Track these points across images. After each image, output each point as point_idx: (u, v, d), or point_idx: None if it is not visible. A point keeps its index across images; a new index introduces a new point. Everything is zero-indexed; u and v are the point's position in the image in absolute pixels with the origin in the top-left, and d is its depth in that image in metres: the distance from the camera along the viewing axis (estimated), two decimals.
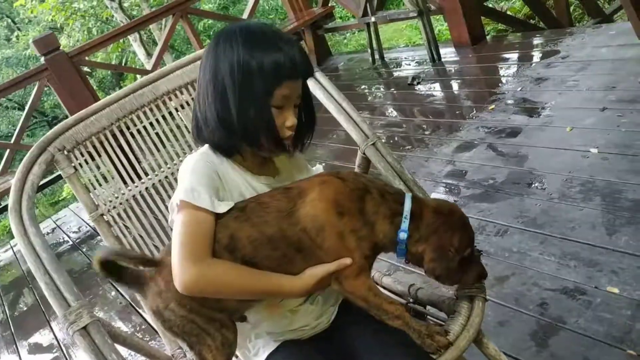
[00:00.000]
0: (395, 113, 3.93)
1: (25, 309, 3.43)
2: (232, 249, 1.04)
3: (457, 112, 3.46)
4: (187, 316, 1.07)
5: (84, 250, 3.91)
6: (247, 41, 1.06)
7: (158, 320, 1.10)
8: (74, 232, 4.39)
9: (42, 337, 2.95)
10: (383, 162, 1.41)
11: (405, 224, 1.05)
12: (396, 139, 3.48)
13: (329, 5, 5.70)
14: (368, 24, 4.94)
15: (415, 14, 4.37)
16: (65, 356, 2.67)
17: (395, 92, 4.33)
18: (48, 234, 4.60)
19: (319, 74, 1.55)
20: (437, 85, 4.07)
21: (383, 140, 3.21)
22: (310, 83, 1.53)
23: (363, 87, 4.70)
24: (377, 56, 5.10)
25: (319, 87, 1.53)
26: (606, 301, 1.68)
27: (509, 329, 1.72)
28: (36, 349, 2.89)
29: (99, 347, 1.17)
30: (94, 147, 1.52)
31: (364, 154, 1.45)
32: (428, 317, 1.32)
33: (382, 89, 4.52)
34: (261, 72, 1.04)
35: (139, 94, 1.56)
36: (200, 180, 1.07)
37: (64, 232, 4.49)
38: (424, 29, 4.39)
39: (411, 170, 2.92)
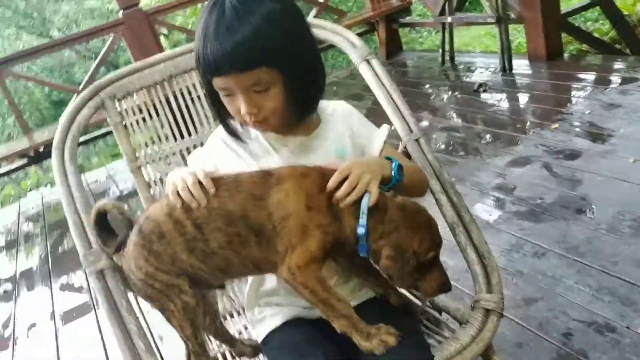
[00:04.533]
0: (455, 117, 3.83)
1: (66, 249, 3.57)
2: (188, 209, 1.04)
3: (518, 125, 3.35)
4: (146, 280, 1.09)
5: (128, 201, 4.03)
6: (202, 21, 1.04)
7: (129, 284, 1.13)
8: (123, 183, 4.53)
9: (76, 278, 3.07)
10: (423, 160, 1.37)
11: (363, 219, 1.00)
12: (451, 143, 3.40)
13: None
14: (443, 24, 4.83)
15: (493, 20, 4.24)
16: (92, 299, 2.76)
17: (459, 96, 4.23)
18: (97, 181, 4.76)
19: (374, 62, 1.53)
20: (503, 96, 3.94)
21: (440, 144, 3.24)
22: (364, 69, 1.51)
23: (428, 86, 4.61)
24: (447, 58, 4.98)
25: (372, 75, 1.50)
26: (636, 343, 1.59)
27: (527, 352, 1.66)
28: (68, 287, 3.01)
29: (111, 291, 1.20)
30: (143, 100, 1.55)
31: (405, 148, 1.41)
32: (442, 323, 1.29)
33: (446, 92, 4.42)
34: (197, 62, 1.06)
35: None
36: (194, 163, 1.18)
37: (114, 181, 4.63)
38: (500, 36, 4.25)
39: (460, 177, 2.86)
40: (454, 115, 3.89)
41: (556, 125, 3.14)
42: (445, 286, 1.07)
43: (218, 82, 1.05)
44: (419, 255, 1.01)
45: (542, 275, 1.97)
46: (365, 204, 1.01)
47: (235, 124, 1.18)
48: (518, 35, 6.27)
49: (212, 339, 1.38)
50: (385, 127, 1.25)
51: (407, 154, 1.42)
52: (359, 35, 7.04)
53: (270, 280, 1.22)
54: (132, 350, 1.14)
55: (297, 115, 1.12)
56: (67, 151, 1.40)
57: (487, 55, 5.02)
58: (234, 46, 0.99)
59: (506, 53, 4.27)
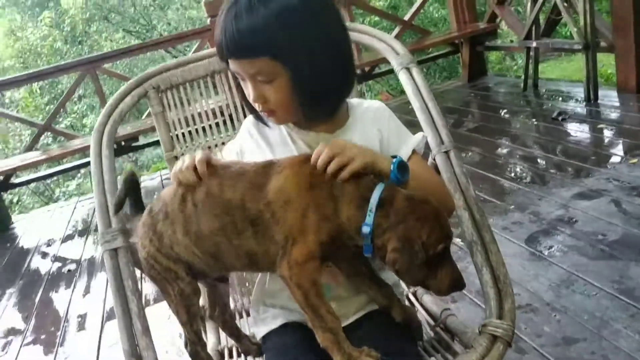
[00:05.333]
0: (531, 145, 3.66)
1: None
2: (192, 190, 1.05)
3: (593, 157, 3.14)
4: (148, 260, 1.10)
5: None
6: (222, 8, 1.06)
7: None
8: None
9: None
10: (450, 173, 1.30)
11: (370, 217, 0.94)
12: (518, 170, 3.25)
13: (495, 22, 5.45)
14: (528, 49, 4.65)
15: (580, 47, 4.03)
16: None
17: (538, 123, 4.04)
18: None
19: (415, 70, 1.48)
20: (583, 126, 3.73)
21: (507, 171, 3.09)
22: (403, 77, 1.47)
23: (508, 112, 4.44)
24: (530, 83, 4.78)
25: (411, 83, 1.46)
26: None
27: None
28: None
29: (120, 270, 1.23)
30: (185, 92, 1.59)
31: (434, 159, 1.36)
32: (448, 345, 1.22)
33: (526, 119, 4.24)
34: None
35: None
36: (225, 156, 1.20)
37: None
38: (586, 64, 4.03)
39: (519, 205, 2.72)
40: (530, 142, 3.72)
41: (635, 160, 2.92)
42: (457, 282, 0.99)
43: (230, 65, 1.08)
44: (428, 247, 0.93)
45: (589, 315, 1.82)
46: (374, 200, 0.95)
47: None
48: (607, 64, 5.93)
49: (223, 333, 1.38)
50: (419, 135, 1.21)
51: (436, 167, 1.36)
52: (442, 56, 6.96)
53: (275, 281, 1.21)
54: (129, 329, 1.15)
55: (307, 110, 1.10)
56: (105, 135, 1.46)
57: (572, 83, 4.77)
58: (238, 33, 1.00)
59: (592, 82, 4.03)
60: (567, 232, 2.37)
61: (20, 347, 2.63)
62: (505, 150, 3.64)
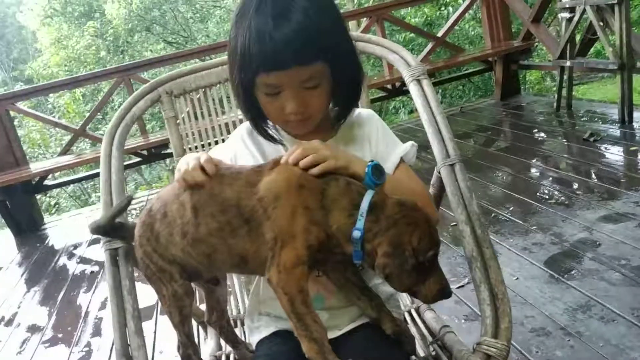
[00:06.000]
0: (562, 166, 3.58)
1: None
2: (193, 192, 1.04)
3: (623, 180, 3.05)
4: (144, 259, 1.11)
5: None
6: (240, 13, 0.99)
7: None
8: None
9: None
10: (454, 186, 1.28)
11: (360, 222, 0.93)
12: (543, 190, 3.17)
13: (530, 41, 5.37)
14: (562, 68, 4.56)
15: (615, 67, 3.93)
16: None
17: (568, 144, 3.96)
18: None
19: (425, 82, 1.46)
20: (615, 148, 3.62)
21: (534, 191, 3.02)
22: (413, 88, 1.46)
23: (540, 132, 4.35)
24: (563, 103, 4.68)
25: (420, 95, 1.44)
26: None
27: None
28: None
29: (119, 269, 1.24)
30: (198, 98, 1.61)
31: (439, 172, 1.33)
32: None
33: (558, 139, 4.15)
34: (238, 58, 0.99)
35: None
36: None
37: None
38: (621, 85, 3.93)
39: (541, 225, 2.65)
40: (559, 163, 3.64)
41: None
42: (444, 291, 0.98)
43: (267, 79, 1.00)
44: (418, 253, 0.92)
45: (604, 342, 1.75)
46: (365, 205, 0.94)
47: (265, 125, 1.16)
48: None
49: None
50: (408, 144, 1.19)
51: (440, 180, 1.34)
52: (475, 73, 6.89)
53: (269, 289, 1.20)
54: (123, 328, 1.16)
55: (337, 115, 1.11)
56: (117, 137, 1.48)
57: (608, 104, 4.65)
58: (298, 38, 0.95)
59: (627, 103, 3.93)
60: (589, 256, 2.29)
61: (39, 344, 2.68)
62: (534, 170, 3.56)
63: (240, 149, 1.21)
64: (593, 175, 3.22)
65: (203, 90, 1.62)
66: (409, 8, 8.46)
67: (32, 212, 4.79)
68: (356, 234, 0.94)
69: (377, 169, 0.99)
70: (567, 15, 4.39)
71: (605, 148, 3.64)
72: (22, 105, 5.27)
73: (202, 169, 1.04)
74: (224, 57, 1.65)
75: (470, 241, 1.20)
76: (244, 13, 0.99)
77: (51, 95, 10.55)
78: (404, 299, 1.49)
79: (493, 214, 2.93)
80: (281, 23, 0.95)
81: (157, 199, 1.13)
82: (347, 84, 1.08)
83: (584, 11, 4.19)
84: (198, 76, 1.61)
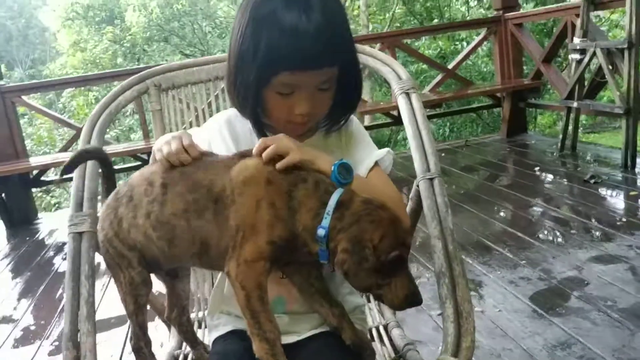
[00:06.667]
0: (560, 205, 3.53)
1: None
2: (165, 170, 1.03)
3: (619, 223, 3.00)
4: (104, 243, 1.08)
5: None
6: (258, 6, 0.97)
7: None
8: None
9: None
10: (431, 200, 1.25)
11: (326, 221, 0.90)
12: (536, 225, 3.13)
13: (539, 80, 5.37)
14: (569, 108, 4.54)
15: (622, 111, 3.91)
16: None
17: (568, 184, 3.92)
18: None
19: (414, 96, 1.44)
20: (615, 192, 3.58)
21: (531, 228, 2.97)
22: (401, 101, 1.44)
23: (542, 171, 4.32)
24: (568, 144, 4.65)
25: (408, 108, 1.42)
26: None
27: None
28: None
29: (81, 253, 1.21)
30: (185, 94, 1.60)
31: (417, 186, 1.30)
32: None
33: (558, 178, 4.12)
34: (261, 54, 0.96)
35: None
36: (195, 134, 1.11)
37: None
38: (626, 130, 3.90)
39: (531, 261, 2.60)
40: (557, 202, 3.59)
41: None
42: (412, 297, 0.93)
43: (289, 78, 0.97)
44: (380, 252, 0.88)
45: None
46: (332, 203, 0.92)
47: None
48: None
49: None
50: (384, 150, 1.17)
51: (419, 193, 1.31)
52: (483, 108, 6.90)
53: (230, 287, 1.17)
54: (75, 313, 1.13)
55: (332, 119, 1.10)
56: (99, 124, 1.46)
57: (612, 149, 4.62)
58: (331, 40, 0.96)
59: (630, 148, 3.89)
60: (576, 294, 2.24)
61: (9, 335, 2.64)
62: (531, 207, 3.51)
63: (215, 139, 1.18)
64: (590, 216, 3.17)
65: (192, 86, 1.60)
66: (424, 39, 8.52)
67: (27, 206, 4.78)
68: (320, 232, 0.91)
69: (344, 168, 0.97)
70: (577, 56, 4.39)
71: (605, 191, 3.59)
72: (33, 101, 5.31)
73: (186, 151, 1.03)
74: (217, 55, 1.65)
75: (440, 256, 1.16)
76: (267, 9, 0.96)
77: (63, 95, 10.65)
78: (375, 315, 1.45)
79: (484, 246, 2.89)
80: (314, 25, 0.94)
81: (124, 184, 1.11)
82: (352, 90, 1.09)
83: (594, 54, 4.18)
84: (188, 72, 1.60)
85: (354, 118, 1.19)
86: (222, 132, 1.17)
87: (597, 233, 2.90)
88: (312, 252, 0.95)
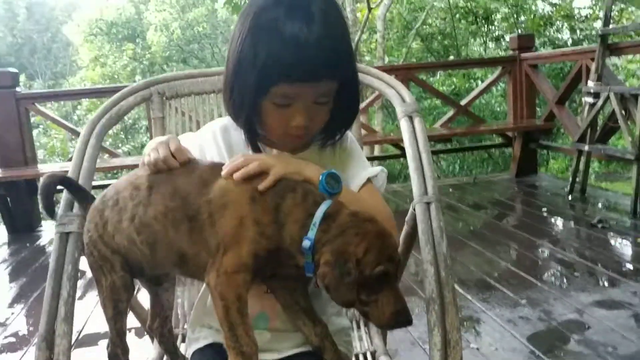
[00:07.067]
0: (563, 246, 3.47)
1: None
2: (153, 174, 1.01)
3: (625, 269, 2.94)
4: (89, 246, 1.06)
5: None
6: (259, 15, 0.96)
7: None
8: None
9: None
10: (426, 224, 1.22)
11: (312, 232, 0.87)
12: (540, 266, 3.07)
13: (552, 122, 5.34)
14: (580, 152, 4.51)
15: (632, 157, 3.87)
16: None
17: (575, 227, 3.87)
18: None
19: (417, 120, 1.42)
20: (622, 238, 3.52)
21: (536, 268, 2.91)
22: (404, 124, 1.42)
23: (546, 211, 4.27)
24: (578, 188, 4.60)
25: (409, 131, 1.40)
26: None
27: None
28: None
29: (65, 254, 1.19)
30: (188, 104, 1.59)
31: (414, 209, 1.27)
32: None
33: (565, 221, 4.06)
34: (260, 63, 0.94)
35: None
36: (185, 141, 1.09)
37: None
38: (637, 176, 3.86)
39: (532, 300, 2.54)
40: (562, 244, 3.53)
41: None
42: (399, 316, 0.89)
43: (287, 89, 0.96)
44: (364, 266, 0.85)
45: None
46: (319, 214, 0.89)
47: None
48: None
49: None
50: (377, 168, 1.14)
51: (414, 218, 1.28)
52: (494, 146, 6.87)
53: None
54: (52, 314, 1.10)
55: (328, 134, 1.08)
56: (98, 127, 1.45)
57: (622, 196, 4.56)
58: (332, 53, 0.95)
59: None
60: (575, 338, 2.17)
61: None
62: (536, 248, 3.45)
63: (210, 146, 1.17)
64: (595, 261, 3.11)
65: (195, 96, 1.60)
66: (439, 75, 8.57)
67: (31, 213, 4.78)
68: (306, 243, 0.89)
69: (332, 177, 0.95)
70: (591, 100, 4.37)
71: (613, 236, 3.53)
72: (48, 111, 5.36)
73: (174, 156, 1.01)
74: (221, 68, 1.65)
75: (432, 282, 1.13)
76: (268, 18, 0.95)
77: (79, 108, 10.77)
78: (364, 341, 1.41)
79: (485, 283, 2.83)
80: (315, 36, 0.93)
81: (112, 186, 1.10)
82: (349, 105, 1.07)
83: (607, 98, 4.17)
84: (193, 82, 1.59)
85: (349, 134, 1.17)
86: (216, 139, 1.15)
87: (602, 277, 2.83)
88: (298, 265, 0.92)
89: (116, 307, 1.08)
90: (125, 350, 1.13)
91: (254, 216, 0.91)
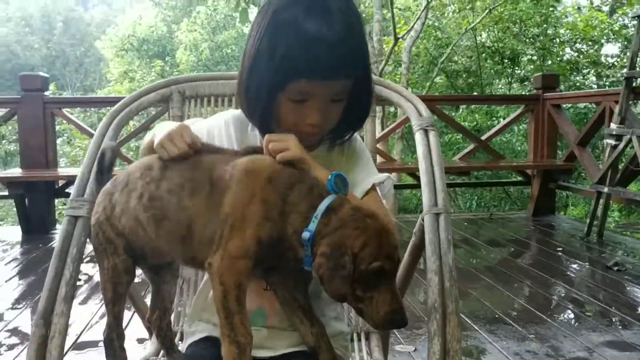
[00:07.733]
0: (576, 285, 3.40)
1: None
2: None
3: (639, 312, 2.85)
4: (95, 227, 1.07)
5: None
6: (277, 13, 0.97)
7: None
8: None
9: None
10: (434, 235, 1.20)
11: (313, 224, 0.87)
12: (554, 304, 3.00)
13: (572, 163, 5.29)
14: (599, 193, 4.45)
15: None
16: None
17: (590, 268, 3.79)
18: None
19: (432, 133, 1.42)
20: (638, 282, 3.43)
21: (548, 305, 2.84)
22: (419, 137, 1.42)
23: (563, 251, 4.19)
24: (595, 230, 4.52)
25: (424, 144, 1.40)
26: None
27: None
28: None
29: (72, 237, 1.20)
30: (209, 104, 1.61)
31: (422, 220, 1.26)
32: None
33: (581, 262, 3.98)
34: (278, 59, 0.96)
35: None
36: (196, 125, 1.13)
37: None
38: None
39: (540, 336, 2.48)
40: (579, 284, 3.45)
41: None
42: (394, 315, 0.87)
43: (304, 86, 0.97)
44: (360, 261, 0.85)
45: None
46: (322, 207, 0.90)
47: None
48: None
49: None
50: (384, 175, 1.14)
51: (422, 229, 1.26)
52: (512, 183, 6.80)
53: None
54: (53, 292, 1.11)
55: (337, 134, 1.09)
56: (117, 120, 1.48)
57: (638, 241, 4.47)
58: (350, 52, 0.97)
59: None
60: None
61: None
62: (549, 287, 3.38)
63: (220, 130, 1.17)
64: (609, 302, 3.03)
65: (215, 98, 1.62)
66: (461, 110, 8.57)
67: (47, 215, 4.84)
68: (305, 234, 0.89)
69: (340, 179, 0.96)
70: (612, 142, 4.33)
71: (628, 279, 3.45)
72: (73, 116, 5.46)
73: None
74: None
75: (435, 291, 1.11)
76: (288, 16, 0.96)
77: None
78: (363, 348, 1.39)
79: (494, 315, 2.77)
80: (336, 35, 0.94)
81: (124, 170, 1.11)
82: (361, 105, 1.08)
83: (629, 141, 4.13)
84: (213, 84, 1.61)
85: (357, 137, 1.18)
86: (228, 128, 1.16)
87: (615, 319, 2.76)
88: (298, 258, 0.92)
89: (115, 290, 1.08)
90: (120, 335, 1.12)
91: (264, 196, 0.92)
